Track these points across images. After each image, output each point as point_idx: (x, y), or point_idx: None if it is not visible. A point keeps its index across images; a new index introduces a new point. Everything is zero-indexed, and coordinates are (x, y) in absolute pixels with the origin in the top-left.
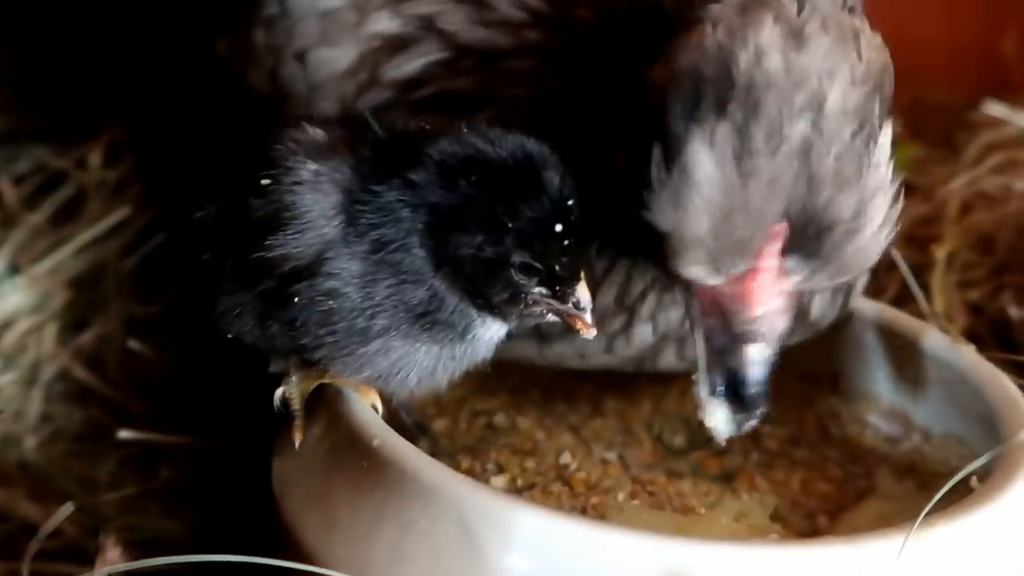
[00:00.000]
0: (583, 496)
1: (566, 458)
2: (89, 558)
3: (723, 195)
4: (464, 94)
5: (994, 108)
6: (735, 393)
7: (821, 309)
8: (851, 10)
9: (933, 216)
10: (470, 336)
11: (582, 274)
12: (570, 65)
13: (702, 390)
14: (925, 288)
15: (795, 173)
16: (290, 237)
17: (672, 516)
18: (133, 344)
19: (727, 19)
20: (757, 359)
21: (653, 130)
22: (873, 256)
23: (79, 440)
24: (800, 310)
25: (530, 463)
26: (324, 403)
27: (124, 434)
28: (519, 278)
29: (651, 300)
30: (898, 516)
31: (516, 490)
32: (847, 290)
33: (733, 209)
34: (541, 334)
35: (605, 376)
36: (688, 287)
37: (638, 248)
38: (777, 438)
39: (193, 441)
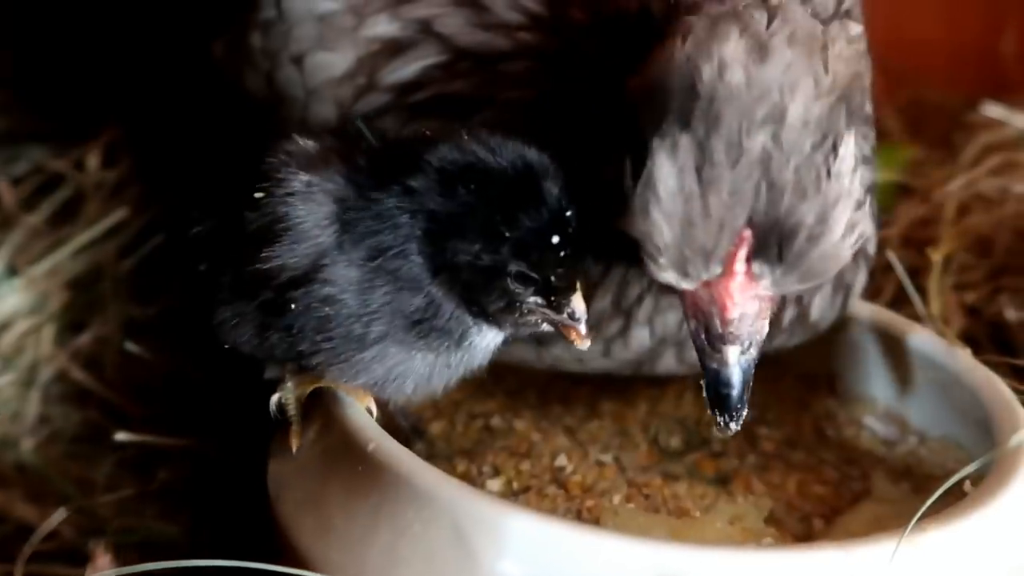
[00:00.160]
0: (578, 499)
1: (562, 460)
2: (85, 560)
3: (684, 205)
4: (461, 97)
5: (992, 109)
6: (716, 394)
7: (821, 310)
8: (847, 13)
9: (930, 218)
10: (466, 343)
11: (578, 284)
12: (564, 68)
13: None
14: (922, 290)
15: (756, 183)
16: (285, 248)
17: (667, 519)
18: (130, 346)
19: (696, 32)
20: (734, 361)
21: (630, 139)
22: (838, 263)
23: (76, 442)
24: (800, 312)
25: (526, 466)
26: (319, 407)
27: (121, 436)
28: (515, 287)
29: (648, 304)
30: (893, 519)
31: (512, 493)
32: (846, 291)
33: (695, 218)
34: (538, 338)
35: (602, 379)
36: (673, 290)
37: (629, 256)
38: (773, 440)
39: (190, 443)
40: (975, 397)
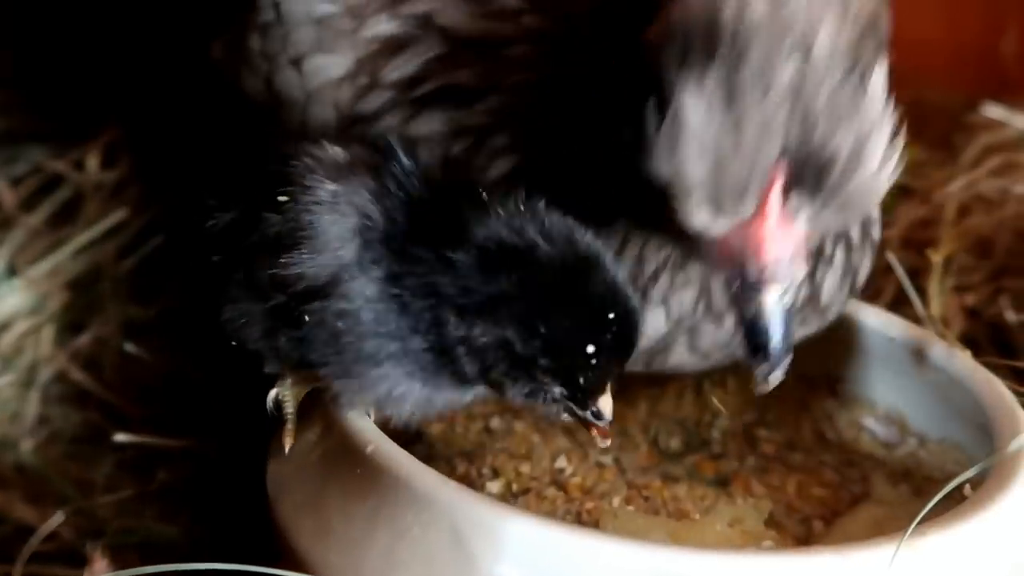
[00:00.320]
0: (578, 501)
1: (561, 462)
2: (84, 562)
3: (715, 138)
4: (465, 87)
5: (993, 110)
6: (756, 343)
7: (831, 293)
8: None
9: (930, 219)
10: (471, 390)
11: (608, 386)
12: (568, 45)
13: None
14: (922, 292)
15: (787, 114)
16: (306, 257)
17: (666, 522)
18: (130, 347)
19: None
20: (773, 306)
21: (651, 88)
22: (876, 194)
23: (76, 442)
24: (812, 292)
25: (525, 468)
26: (318, 408)
27: (120, 437)
28: (543, 379)
29: (664, 281)
30: (893, 522)
31: (511, 495)
32: (854, 276)
33: (727, 152)
34: None
35: None
36: (701, 245)
37: (650, 220)
38: (773, 442)
39: (190, 444)
40: (975, 400)
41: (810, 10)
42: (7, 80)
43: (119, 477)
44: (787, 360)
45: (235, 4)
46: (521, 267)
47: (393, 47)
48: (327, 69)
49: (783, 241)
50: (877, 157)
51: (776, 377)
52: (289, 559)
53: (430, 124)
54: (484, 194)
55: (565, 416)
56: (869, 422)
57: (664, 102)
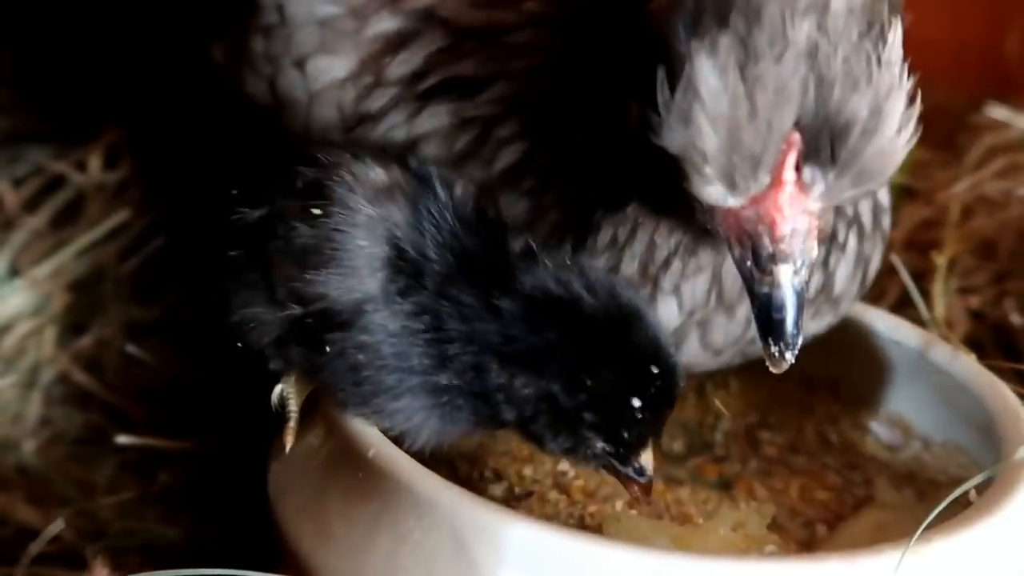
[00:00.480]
0: (581, 504)
1: (564, 465)
2: (86, 564)
3: (730, 106)
4: (469, 77)
5: (997, 111)
6: (769, 321)
7: (844, 283)
8: None
9: (934, 220)
10: (492, 428)
11: (650, 442)
12: (571, 28)
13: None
14: (925, 294)
15: (803, 78)
16: (332, 277)
17: (669, 526)
18: (132, 349)
19: None
20: (787, 282)
21: (659, 58)
22: (893, 162)
23: (78, 444)
24: (826, 281)
25: (528, 470)
26: (320, 411)
27: (122, 439)
28: (587, 433)
29: (675, 268)
30: (896, 526)
31: (514, 498)
32: (865, 265)
33: (741, 120)
34: None
35: None
36: (713, 220)
37: (660, 201)
38: (776, 445)
39: (191, 446)
40: (979, 403)
41: None
42: (9, 81)
43: (121, 479)
44: (799, 341)
45: (235, 6)
46: (567, 319)
47: (396, 43)
48: (330, 70)
49: (798, 214)
50: (895, 121)
51: (789, 358)
52: (290, 563)
53: (435, 119)
54: (532, 243)
55: (603, 472)
56: (872, 425)
57: (674, 73)
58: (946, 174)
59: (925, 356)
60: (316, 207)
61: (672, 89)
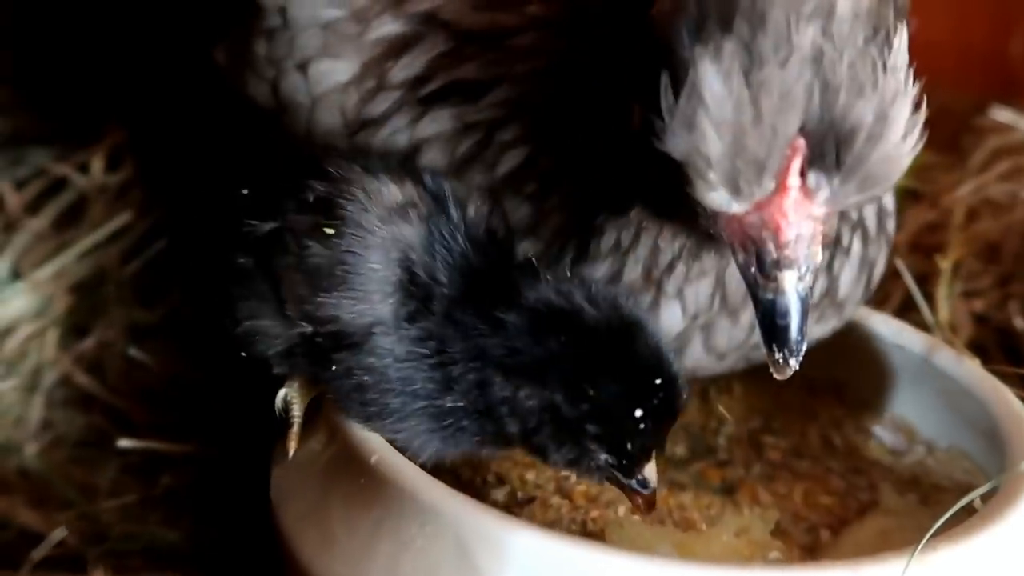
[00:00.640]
0: (583, 509)
1: None
2: (87, 567)
3: (734, 111)
4: (472, 81)
5: (1001, 113)
6: (773, 327)
7: (848, 286)
8: None
9: (938, 223)
10: (496, 448)
11: (653, 453)
12: (574, 31)
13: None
14: (929, 297)
15: (808, 84)
16: (344, 301)
17: (672, 532)
18: (134, 352)
19: None
20: (791, 288)
21: (662, 62)
22: (899, 168)
23: (80, 447)
24: (830, 285)
25: (530, 475)
26: (323, 417)
27: (124, 443)
28: (590, 445)
29: (679, 272)
30: (900, 532)
31: (516, 503)
32: (870, 269)
33: (746, 125)
34: None
35: None
36: (717, 226)
37: (663, 205)
38: (779, 449)
39: (194, 449)
40: (984, 408)
41: None
42: (12, 83)
43: (123, 482)
44: (803, 348)
45: (238, 9)
46: (570, 330)
47: (399, 47)
48: (333, 74)
49: (802, 220)
50: (900, 127)
51: (793, 365)
52: (292, 569)
53: (438, 123)
54: (534, 259)
55: (606, 483)
56: (876, 429)
57: (678, 78)
58: (950, 177)
59: (929, 360)
60: (329, 225)
61: (676, 94)
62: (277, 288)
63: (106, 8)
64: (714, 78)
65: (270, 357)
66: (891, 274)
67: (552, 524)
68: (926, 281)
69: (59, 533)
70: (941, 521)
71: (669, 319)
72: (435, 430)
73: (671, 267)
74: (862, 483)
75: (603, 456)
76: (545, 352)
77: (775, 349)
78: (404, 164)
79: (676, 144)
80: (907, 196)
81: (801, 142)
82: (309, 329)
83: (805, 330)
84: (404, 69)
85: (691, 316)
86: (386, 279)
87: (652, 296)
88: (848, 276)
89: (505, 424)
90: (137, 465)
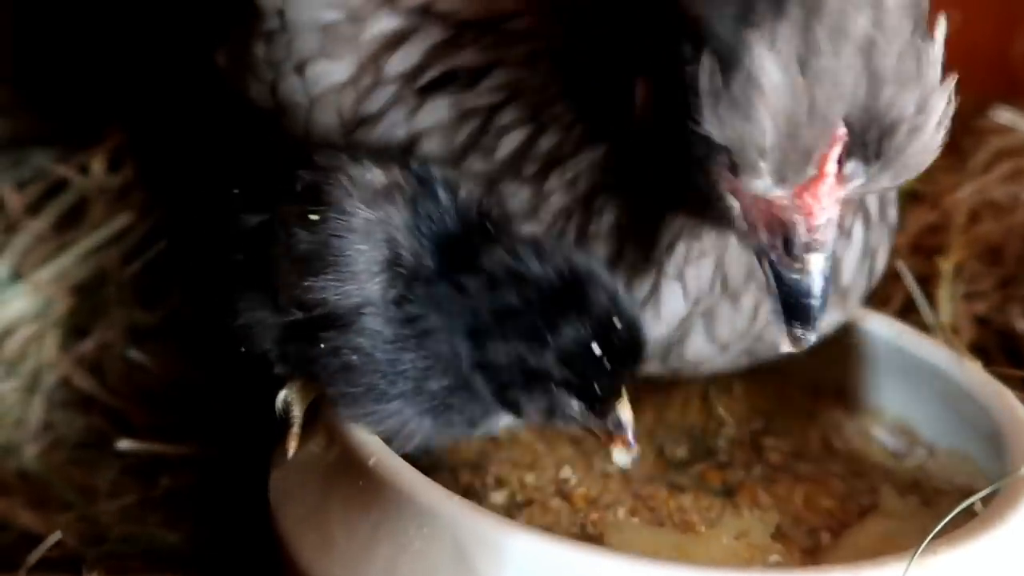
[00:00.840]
0: (582, 512)
1: (566, 472)
2: (87, 568)
3: (791, 101)
4: (469, 68)
5: (1003, 115)
6: (797, 305)
7: (852, 273)
8: None
9: (940, 225)
10: (483, 425)
11: (623, 392)
12: (572, 10)
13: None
14: (931, 299)
15: (856, 73)
16: (331, 284)
17: (671, 535)
18: (134, 353)
19: None
20: (819, 269)
21: (690, 44)
22: (932, 156)
23: (79, 448)
24: (832, 269)
25: (530, 478)
26: (322, 419)
27: (124, 444)
28: (558, 392)
29: (679, 253)
30: (901, 535)
31: (515, 506)
32: (871, 259)
33: (800, 115)
34: None
35: None
36: (744, 209)
37: (665, 186)
38: (780, 451)
39: (193, 450)
40: (985, 411)
41: None
42: (13, 84)
43: (122, 483)
44: (821, 322)
45: (238, 11)
46: (522, 286)
47: (394, 41)
48: (330, 74)
49: (832, 205)
50: (936, 117)
51: (811, 339)
52: (291, 571)
53: (435, 113)
54: (491, 226)
55: (585, 432)
56: (877, 431)
57: (725, 59)
58: (952, 178)
59: (930, 363)
60: (314, 212)
61: (726, 79)
62: (270, 279)
63: (107, 10)
64: (772, 66)
65: (268, 351)
66: (892, 276)
67: (551, 527)
68: (927, 283)
69: (54, 536)
70: (941, 524)
71: (671, 303)
72: (424, 412)
73: (671, 247)
74: (863, 486)
75: (573, 402)
76: (504, 308)
77: (797, 325)
78: (399, 157)
79: (722, 130)
80: (908, 197)
81: (843, 130)
82: (301, 316)
83: (826, 305)
84: (400, 61)
85: (692, 300)
86: (372, 259)
87: (653, 278)
88: (851, 261)
89: (480, 389)
90: (137, 467)
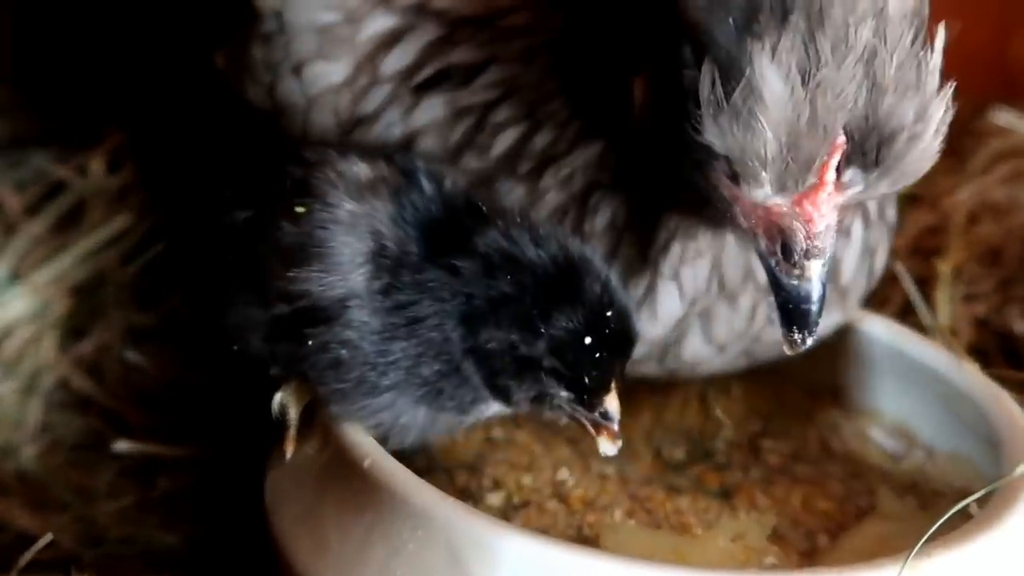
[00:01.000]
0: (579, 514)
1: (563, 473)
2: (80, 569)
3: (792, 112)
4: (464, 65)
5: (1002, 116)
6: (795, 310)
7: (851, 272)
8: None
9: (938, 227)
10: (474, 411)
11: (612, 385)
12: (568, 6)
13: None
14: (929, 301)
15: (858, 83)
16: (315, 275)
17: (668, 537)
18: (132, 355)
19: None
20: (817, 276)
21: (690, 47)
22: (931, 161)
23: (77, 450)
24: (831, 270)
25: (527, 479)
26: (317, 420)
27: (121, 445)
28: (547, 381)
29: (674, 252)
30: (899, 537)
31: (512, 507)
32: (871, 258)
33: (801, 125)
34: None
35: None
36: (746, 215)
37: (662, 185)
38: (778, 453)
39: (191, 452)
40: (983, 414)
41: None
42: (12, 85)
43: (120, 484)
44: (819, 327)
45: (237, 14)
46: (517, 271)
47: (390, 40)
48: (327, 75)
49: (831, 212)
50: (935, 124)
51: (808, 343)
52: (286, 572)
53: (431, 111)
54: (483, 207)
55: (572, 421)
56: (875, 433)
57: (726, 68)
58: (951, 180)
59: (929, 365)
60: (300, 205)
61: (727, 89)
62: (259, 275)
63: (107, 11)
64: (774, 77)
65: (260, 349)
66: (891, 278)
67: (547, 528)
68: (926, 285)
69: (46, 537)
70: (936, 526)
71: (667, 303)
72: (417, 400)
73: (666, 246)
74: (861, 488)
75: (563, 392)
76: (498, 293)
77: (795, 330)
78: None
79: (722, 139)
80: (907, 199)
81: (842, 139)
82: (287, 309)
83: (823, 310)
84: (396, 60)
85: (689, 300)
86: (357, 251)
87: (649, 278)
88: (851, 260)
89: (471, 375)
90: (134, 468)
